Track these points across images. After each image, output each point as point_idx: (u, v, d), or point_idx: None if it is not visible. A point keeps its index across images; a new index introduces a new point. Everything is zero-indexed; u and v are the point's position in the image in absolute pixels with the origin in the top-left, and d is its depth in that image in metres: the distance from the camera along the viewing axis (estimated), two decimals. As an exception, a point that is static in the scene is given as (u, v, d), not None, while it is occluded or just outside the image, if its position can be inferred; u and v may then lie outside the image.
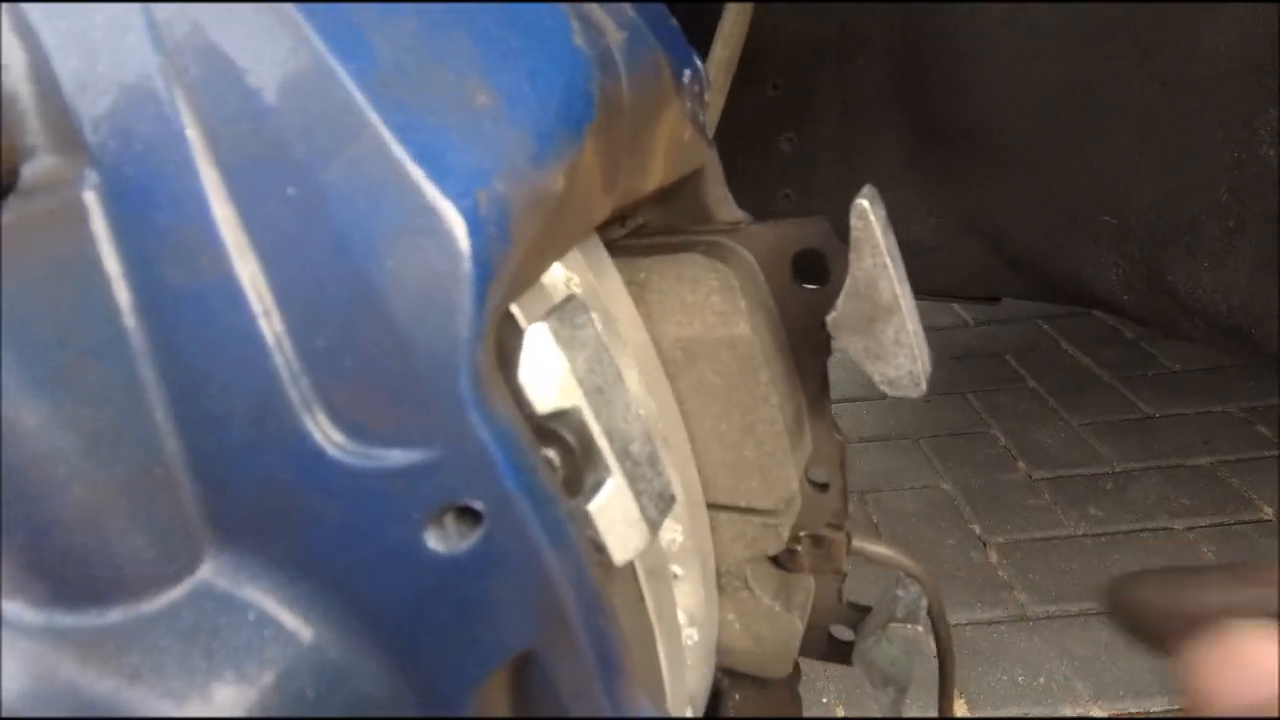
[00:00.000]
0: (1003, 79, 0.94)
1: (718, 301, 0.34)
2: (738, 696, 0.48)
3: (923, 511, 1.79)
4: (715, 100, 0.59)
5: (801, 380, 0.38)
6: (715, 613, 0.43)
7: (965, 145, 0.99)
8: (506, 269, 0.20)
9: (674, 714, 0.39)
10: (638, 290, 0.35)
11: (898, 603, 0.41)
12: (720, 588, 0.43)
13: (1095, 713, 1.32)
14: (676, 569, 0.40)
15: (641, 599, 0.34)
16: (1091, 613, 1.49)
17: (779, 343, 0.36)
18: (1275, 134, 0.72)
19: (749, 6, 0.62)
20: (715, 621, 0.43)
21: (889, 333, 0.31)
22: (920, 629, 0.40)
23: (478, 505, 0.20)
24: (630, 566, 0.34)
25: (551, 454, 0.24)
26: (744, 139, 1.08)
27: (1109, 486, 1.79)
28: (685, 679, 0.40)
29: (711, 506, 0.40)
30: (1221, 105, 0.75)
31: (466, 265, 0.19)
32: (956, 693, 1.36)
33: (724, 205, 0.38)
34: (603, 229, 0.34)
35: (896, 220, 1.23)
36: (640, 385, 0.34)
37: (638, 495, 0.26)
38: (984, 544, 1.68)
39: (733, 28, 0.61)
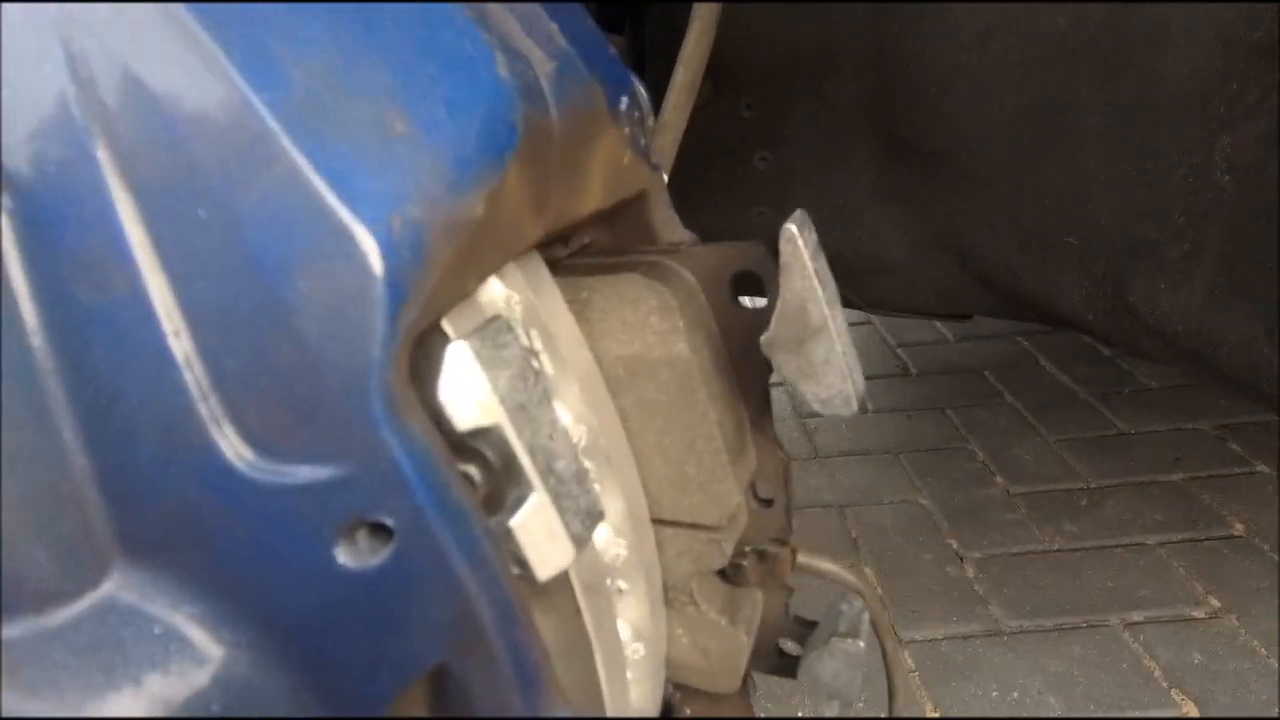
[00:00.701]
0: (973, 100, 0.96)
1: (657, 321, 0.34)
2: (689, 711, 0.48)
3: (901, 526, 1.80)
4: (676, 121, 0.60)
5: (744, 398, 0.38)
6: (662, 628, 0.43)
7: (936, 165, 1.00)
8: (421, 291, 0.21)
9: (617, 728, 0.39)
10: (580, 309, 0.36)
11: (841, 618, 0.41)
12: (668, 603, 0.43)
13: (1067, 728, 1.32)
14: (622, 584, 0.40)
15: (579, 613, 0.34)
16: (1065, 628, 1.50)
17: (719, 362, 0.37)
18: (1228, 160, 0.73)
19: (711, 32, 0.63)
20: (663, 636, 0.43)
21: (819, 353, 0.31)
22: (861, 644, 0.40)
23: (389, 521, 0.21)
24: (567, 581, 0.34)
25: (472, 470, 0.25)
26: (719, 157, 1.09)
27: (1084, 502, 1.81)
28: (628, 693, 0.40)
29: (656, 522, 0.40)
30: (1178, 130, 0.77)
31: (378, 287, 0.20)
32: (928, 704, 1.37)
33: (669, 226, 0.39)
34: (545, 248, 0.35)
35: (871, 238, 1.25)
36: (582, 402, 0.35)
37: (562, 512, 0.26)
38: (960, 559, 1.69)
39: (694, 50, 0.62)
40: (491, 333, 0.25)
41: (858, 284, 1.21)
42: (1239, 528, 1.69)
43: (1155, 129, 0.79)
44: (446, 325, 0.25)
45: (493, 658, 0.23)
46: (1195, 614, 1.50)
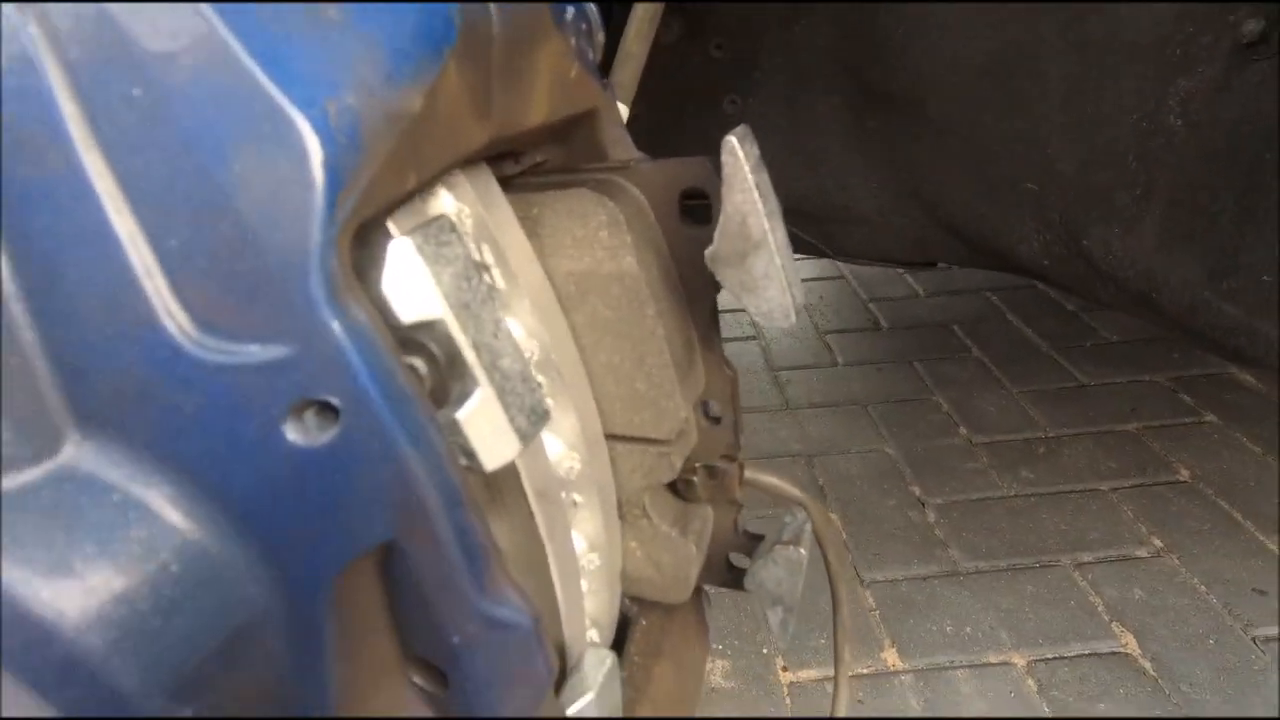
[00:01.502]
0: (940, 46, 0.96)
1: (605, 236, 0.35)
2: (644, 622, 0.51)
3: (867, 474, 1.85)
4: (638, 51, 0.60)
5: (692, 316, 0.40)
6: (617, 540, 0.45)
7: (903, 113, 1.01)
8: (358, 179, 0.21)
9: (572, 632, 0.41)
10: (531, 225, 0.36)
11: (785, 528, 0.44)
12: (622, 516, 0.45)
13: (1015, 659, 1.40)
14: (576, 497, 0.42)
15: (531, 518, 0.36)
16: (1018, 568, 1.56)
17: (668, 279, 0.38)
18: (1181, 104, 0.75)
19: None
20: (618, 548, 0.45)
21: (759, 266, 0.32)
22: (803, 551, 0.43)
23: (335, 401, 0.22)
24: (520, 488, 0.36)
25: (418, 363, 0.26)
26: (689, 99, 1.09)
27: (1042, 451, 1.87)
28: (582, 600, 0.42)
29: (609, 437, 0.42)
30: (1134, 75, 0.78)
31: (316, 172, 0.20)
32: (887, 640, 1.43)
33: (620, 145, 0.39)
34: (496, 165, 0.35)
35: (840, 186, 1.26)
36: (534, 317, 0.36)
37: (507, 407, 0.28)
38: (922, 505, 1.75)
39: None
40: (434, 230, 0.25)
41: (827, 233, 1.22)
42: (1185, 474, 1.76)
43: (1113, 74, 0.80)
44: (391, 225, 0.26)
45: (439, 538, 0.25)
46: (1140, 554, 1.58)
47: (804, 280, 2.67)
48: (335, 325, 0.21)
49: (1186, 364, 2.08)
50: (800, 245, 1.29)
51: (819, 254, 1.29)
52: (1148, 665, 1.37)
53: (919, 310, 2.48)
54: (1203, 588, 1.49)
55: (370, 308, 0.23)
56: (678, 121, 1.10)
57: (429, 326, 0.25)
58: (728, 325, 2.45)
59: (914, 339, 2.34)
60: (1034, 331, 2.31)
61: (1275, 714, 1.29)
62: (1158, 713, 1.29)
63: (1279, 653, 1.38)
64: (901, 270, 2.67)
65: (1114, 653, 1.40)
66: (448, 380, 0.26)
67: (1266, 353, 0.69)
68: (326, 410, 0.22)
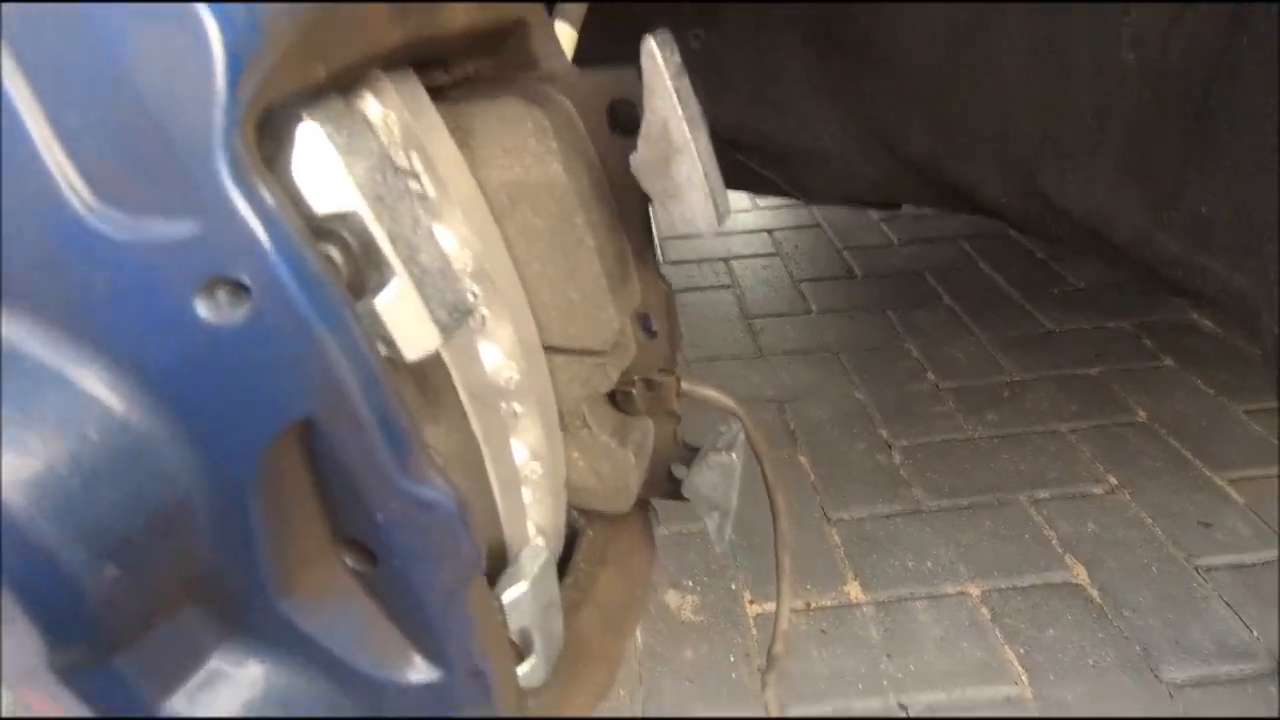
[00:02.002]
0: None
1: (534, 144, 0.36)
2: (591, 533, 0.53)
3: (837, 419, 1.89)
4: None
5: (625, 228, 0.41)
6: (559, 449, 0.47)
7: (864, 52, 1.01)
8: (260, 64, 0.22)
9: (512, 533, 0.43)
10: (463, 136, 0.37)
11: (720, 437, 0.46)
12: (564, 428, 0.47)
13: (971, 590, 1.46)
14: (516, 406, 0.44)
15: (465, 419, 0.38)
16: (978, 505, 1.62)
17: (598, 189, 0.39)
18: (1134, 37, 0.76)
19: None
20: (560, 458, 0.47)
21: (682, 172, 0.33)
22: (734, 457, 0.45)
23: (245, 280, 0.23)
24: (454, 392, 0.37)
25: (333, 252, 0.27)
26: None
27: (1007, 394, 1.91)
28: (523, 502, 0.44)
29: (547, 349, 0.43)
30: (1089, 8, 0.79)
31: (216, 54, 0.21)
32: (850, 574, 1.48)
33: (552, 57, 0.40)
34: (426, 75, 0.36)
35: (806, 128, 1.26)
36: (466, 226, 0.37)
37: (426, 300, 0.29)
38: (889, 447, 1.80)
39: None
40: (347, 122, 0.26)
41: (794, 174, 1.23)
42: (1142, 415, 1.82)
43: (1067, 7, 0.80)
44: (306, 116, 0.27)
45: (358, 418, 0.26)
46: (1094, 490, 1.64)
47: (780, 229, 2.67)
48: (241, 203, 0.22)
49: (1150, 310, 2.13)
50: (768, 187, 1.29)
51: (786, 196, 1.30)
52: (1095, 594, 1.43)
53: (893, 258, 2.50)
54: (1151, 521, 1.56)
55: (280, 191, 0.23)
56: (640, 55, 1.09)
57: (344, 218, 0.26)
58: (703, 274, 2.46)
59: (887, 287, 2.36)
60: (1004, 279, 2.34)
61: (1212, 647, 1.35)
62: (1108, 640, 1.36)
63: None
64: (877, 218, 2.67)
65: (1065, 583, 1.46)
66: (365, 271, 0.27)
67: (1204, 284, 0.72)
68: (238, 289, 0.23)
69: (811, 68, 1.06)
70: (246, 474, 0.25)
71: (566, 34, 0.54)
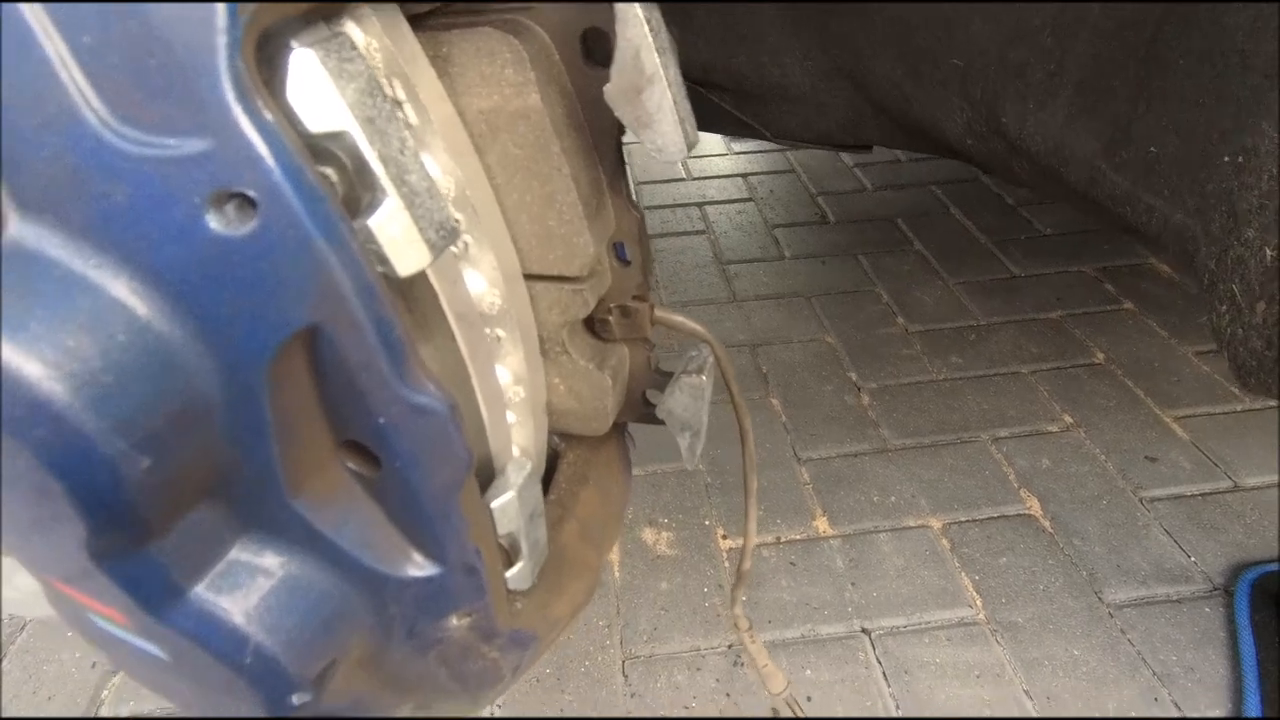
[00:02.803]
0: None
1: (511, 73, 0.37)
2: (571, 455, 0.56)
3: (807, 362, 1.94)
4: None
5: (599, 157, 0.43)
6: (540, 373, 0.50)
7: (837, -12, 1.01)
8: (258, -13, 0.24)
9: (497, 448, 0.46)
10: (441, 64, 0.38)
11: (690, 361, 0.49)
12: (544, 354, 0.50)
13: (932, 523, 1.54)
14: (499, 332, 0.46)
15: (453, 339, 0.40)
16: (941, 444, 1.69)
17: (573, 118, 0.40)
18: (1095, -23, 0.77)
19: None
20: (541, 381, 0.50)
21: (653, 100, 0.35)
22: (704, 378, 0.48)
23: (252, 194, 0.25)
24: (441, 314, 0.40)
25: (329, 171, 0.29)
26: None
27: (972, 338, 1.98)
28: (507, 421, 0.47)
29: (527, 276, 0.46)
30: (1055, -52, 0.80)
31: (217, -23, 0.23)
32: (818, 510, 1.55)
33: (528, -11, 0.41)
34: (405, 4, 0.37)
35: (776, 65, 1.26)
36: (447, 154, 0.39)
37: (416, 219, 0.31)
38: (858, 389, 1.85)
39: None
40: (335, 46, 0.28)
41: (766, 113, 1.24)
42: (1100, 357, 1.89)
43: (1035, -52, 0.81)
44: (295, 42, 0.28)
45: (357, 324, 0.28)
46: (1051, 429, 1.71)
47: (755, 174, 2.68)
48: (245, 121, 0.24)
49: (1112, 255, 2.19)
50: (741, 129, 1.30)
51: (758, 137, 1.31)
52: (1046, 524, 1.51)
53: (866, 204, 2.53)
54: (1102, 456, 1.64)
55: (278, 111, 0.25)
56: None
57: (337, 137, 0.28)
58: (677, 219, 2.47)
59: (859, 232, 2.39)
60: (974, 225, 2.38)
61: (1151, 570, 1.44)
62: (1056, 566, 1.44)
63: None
64: (851, 163, 2.69)
65: (1019, 514, 1.54)
66: (359, 190, 0.29)
67: (1148, 222, 0.75)
68: (246, 202, 0.25)
69: (781, 4, 1.06)
70: (258, 377, 0.27)
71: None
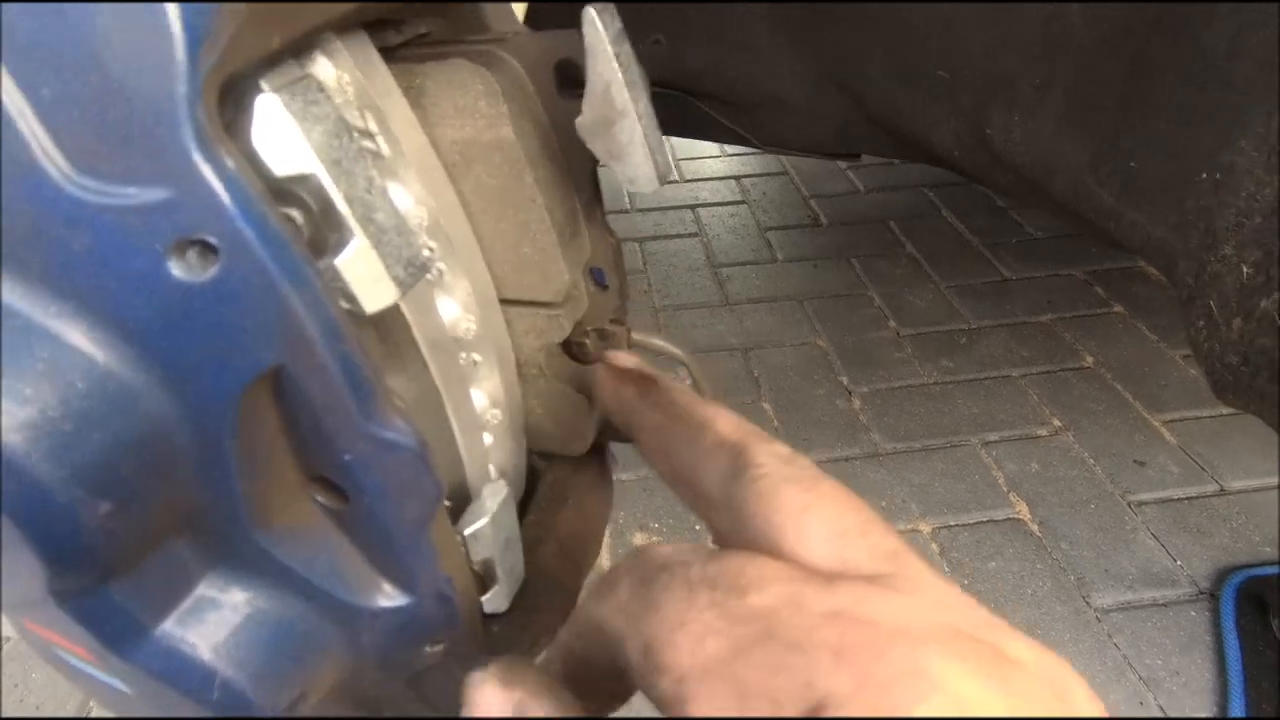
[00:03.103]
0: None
1: (484, 105, 0.37)
2: (551, 476, 0.56)
3: (799, 366, 1.94)
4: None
5: (575, 186, 0.43)
6: (518, 396, 0.50)
7: (827, -2, 1.01)
8: (217, 36, 0.24)
9: (474, 474, 0.47)
10: (415, 96, 0.38)
11: (668, 384, 0.49)
12: (523, 377, 0.50)
13: (922, 527, 1.54)
14: (475, 357, 0.46)
15: (426, 368, 0.40)
16: (932, 448, 1.69)
17: (547, 148, 0.40)
18: (1079, -9, 0.78)
19: None
20: (519, 404, 0.50)
21: (624, 134, 0.36)
22: (681, 402, 0.48)
23: (214, 241, 0.25)
24: (414, 344, 0.40)
25: (294, 214, 0.29)
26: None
27: (963, 341, 1.98)
28: (484, 446, 0.47)
29: (504, 302, 0.46)
30: (1040, -38, 0.80)
31: (175, 30, 0.23)
32: (808, 514, 1.56)
33: (503, 18, 0.41)
34: (378, 35, 0.37)
35: (768, 73, 1.26)
36: (420, 184, 0.39)
37: (383, 256, 0.31)
38: (849, 393, 1.86)
39: None
40: (302, 89, 0.28)
41: (757, 121, 1.24)
42: (1089, 360, 1.90)
43: (1021, -39, 0.82)
44: (264, 85, 0.28)
45: (322, 365, 0.28)
46: (1040, 433, 1.72)
47: (747, 176, 2.68)
48: (205, 169, 0.24)
49: (1102, 259, 2.19)
50: (731, 136, 1.30)
51: (749, 145, 1.31)
52: (1035, 528, 1.52)
53: (859, 206, 2.53)
54: (1091, 460, 1.65)
55: (240, 158, 0.25)
56: None
57: (302, 180, 0.28)
58: (670, 222, 2.47)
59: (852, 235, 2.40)
60: (966, 228, 2.38)
61: (1138, 574, 1.45)
62: (1045, 571, 1.45)
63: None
64: (844, 166, 2.69)
65: (1008, 519, 1.55)
66: (325, 231, 0.30)
67: (1130, 236, 0.76)
68: (207, 249, 0.25)
69: (772, 14, 1.06)
70: (222, 418, 0.28)
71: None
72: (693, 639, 0.21)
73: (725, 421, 0.33)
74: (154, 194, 0.24)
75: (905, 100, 1.01)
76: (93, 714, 1.27)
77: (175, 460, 0.27)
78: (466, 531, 0.40)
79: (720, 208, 2.51)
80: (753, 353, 1.96)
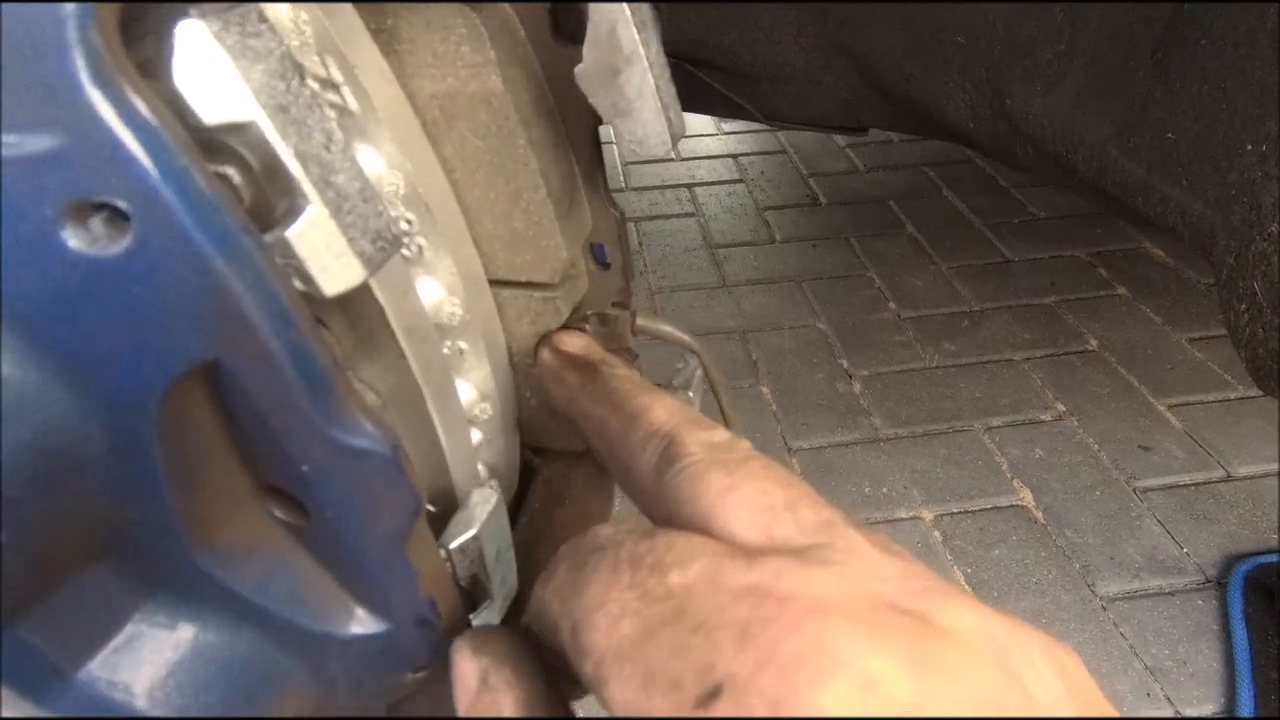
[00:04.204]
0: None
1: (468, 52, 0.32)
2: (547, 473, 0.51)
3: (798, 349, 1.90)
4: None
5: (573, 149, 0.37)
6: (510, 388, 0.45)
7: (835, -41, 0.95)
8: (117, -64, 0.18)
9: (460, 475, 0.42)
10: (386, 39, 0.33)
11: (677, 374, 0.44)
12: (515, 366, 0.45)
13: (924, 514, 1.51)
14: (461, 344, 0.41)
15: (403, 358, 0.35)
16: (933, 433, 1.66)
17: (542, 105, 0.35)
18: (1110, -49, 0.72)
19: None
20: (511, 397, 0.45)
21: (632, 84, 0.30)
22: (691, 394, 0.43)
23: (122, 204, 0.20)
24: (389, 330, 0.35)
25: (230, 171, 0.23)
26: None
27: (965, 324, 1.94)
28: (471, 443, 0.42)
29: (493, 283, 0.40)
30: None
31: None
32: (808, 502, 1.52)
33: (488, -48, 0.35)
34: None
35: (770, 41, 1.19)
36: (394, 144, 0.33)
37: (345, 228, 0.26)
38: (849, 376, 1.82)
39: None
40: (237, 18, 0.22)
41: (759, 93, 1.18)
42: (1093, 343, 1.86)
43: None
44: (192, 11, 0.23)
45: (269, 357, 0.23)
46: (1044, 417, 1.69)
47: (745, 155, 2.61)
48: (105, 109, 0.19)
49: (1106, 239, 2.15)
50: (732, 109, 1.24)
51: (750, 119, 1.25)
52: (1039, 515, 1.49)
53: (858, 185, 2.47)
54: (1096, 446, 1.61)
55: (154, 99, 0.20)
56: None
57: (240, 130, 0.23)
58: (666, 201, 2.41)
59: (851, 214, 2.34)
60: (967, 207, 2.33)
61: (1144, 562, 1.42)
62: (1049, 559, 1.42)
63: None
64: (843, 143, 2.63)
65: (1012, 505, 1.52)
66: (271, 195, 0.24)
67: (1163, 212, 0.71)
68: (116, 216, 0.20)
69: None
70: (143, 421, 0.22)
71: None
72: (610, 619, 0.21)
73: (659, 410, 0.31)
74: (38, 142, 0.18)
75: (916, 70, 0.95)
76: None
77: (86, 473, 0.22)
78: (452, 545, 0.36)
79: (717, 186, 2.45)
80: (751, 335, 1.91)
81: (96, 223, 0.20)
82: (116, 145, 0.19)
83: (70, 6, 0.18)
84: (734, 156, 2.60)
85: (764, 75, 1.10)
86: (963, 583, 1.37)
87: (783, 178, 2.52)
